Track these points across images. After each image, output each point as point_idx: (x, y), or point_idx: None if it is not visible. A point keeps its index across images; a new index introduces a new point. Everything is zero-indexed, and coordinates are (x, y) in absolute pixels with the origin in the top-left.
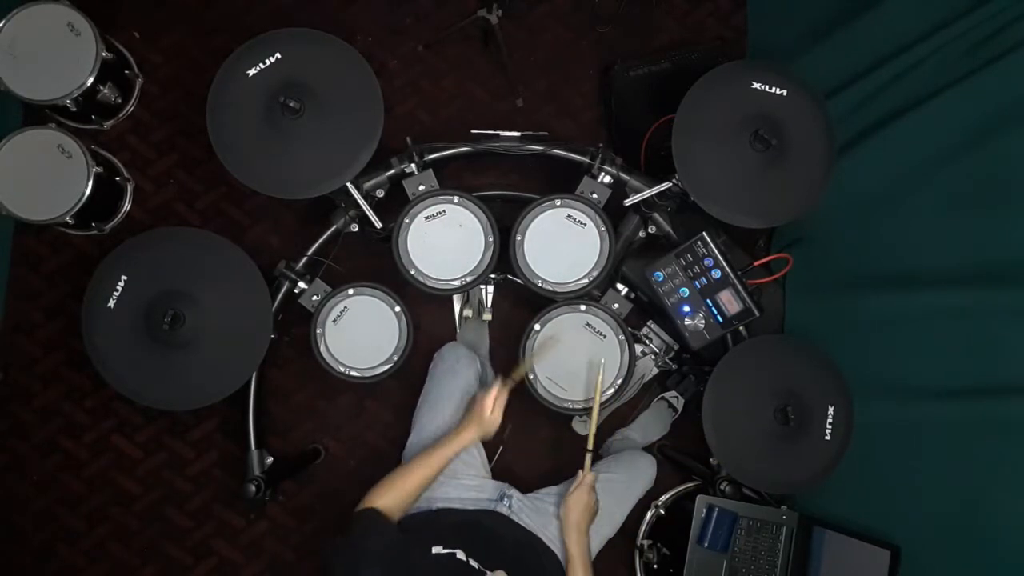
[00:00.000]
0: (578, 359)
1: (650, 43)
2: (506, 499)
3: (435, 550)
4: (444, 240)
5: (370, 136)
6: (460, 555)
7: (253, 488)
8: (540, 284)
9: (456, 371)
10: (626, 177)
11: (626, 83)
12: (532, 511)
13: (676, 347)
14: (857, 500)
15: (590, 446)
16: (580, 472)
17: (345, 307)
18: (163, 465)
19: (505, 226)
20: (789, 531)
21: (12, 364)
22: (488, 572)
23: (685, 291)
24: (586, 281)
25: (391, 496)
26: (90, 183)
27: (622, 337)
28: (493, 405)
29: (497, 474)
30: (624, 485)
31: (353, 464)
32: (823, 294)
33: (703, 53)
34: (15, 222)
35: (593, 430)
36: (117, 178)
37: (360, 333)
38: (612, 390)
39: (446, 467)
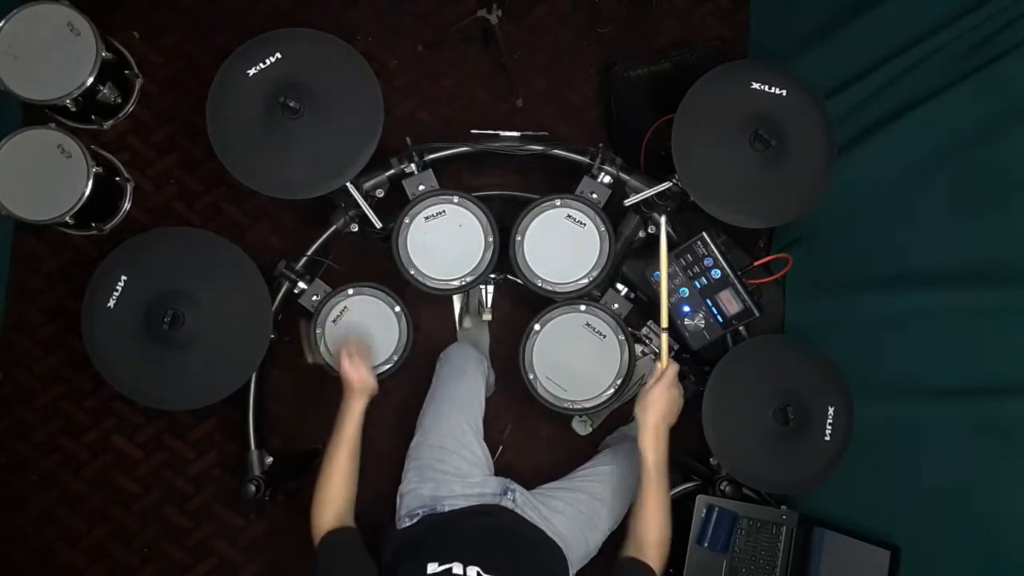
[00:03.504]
0: (578, 359)
1: (650, 43)
2: (509, 493)
3: (431, 569)
4: (444, 240)
5: (370, 136)
6: (457, 568)
7: (253, 488)
8: (540, 284)
9: (464, 371)
10: (626, 177)
11: (626, 83)
12: (535, 505)
13: (676, 347)
14: (857, 500)
15: (664, 324)
16: (656, 364)
17: (345, 307)
18: (163, 465)
19: (505, 226)
20: (789, 531)
21: (12, 364)
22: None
23: (685, 291)
24: (586, 281)
25: (331, 508)
26: (90, 183)
27: (622, 337)
28: (351, 364)
29: (498, 473)
30: (625, 476)
31: None
32: (823, 294)
33: (703, 53)
34: (15, 222)
35: (664, 307)
36: (117, 178)
37: (360, 333)
38: (612, 390)
39: (356, 442)
